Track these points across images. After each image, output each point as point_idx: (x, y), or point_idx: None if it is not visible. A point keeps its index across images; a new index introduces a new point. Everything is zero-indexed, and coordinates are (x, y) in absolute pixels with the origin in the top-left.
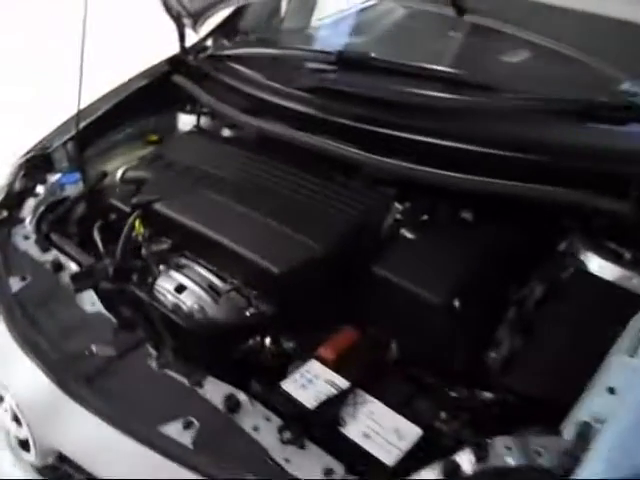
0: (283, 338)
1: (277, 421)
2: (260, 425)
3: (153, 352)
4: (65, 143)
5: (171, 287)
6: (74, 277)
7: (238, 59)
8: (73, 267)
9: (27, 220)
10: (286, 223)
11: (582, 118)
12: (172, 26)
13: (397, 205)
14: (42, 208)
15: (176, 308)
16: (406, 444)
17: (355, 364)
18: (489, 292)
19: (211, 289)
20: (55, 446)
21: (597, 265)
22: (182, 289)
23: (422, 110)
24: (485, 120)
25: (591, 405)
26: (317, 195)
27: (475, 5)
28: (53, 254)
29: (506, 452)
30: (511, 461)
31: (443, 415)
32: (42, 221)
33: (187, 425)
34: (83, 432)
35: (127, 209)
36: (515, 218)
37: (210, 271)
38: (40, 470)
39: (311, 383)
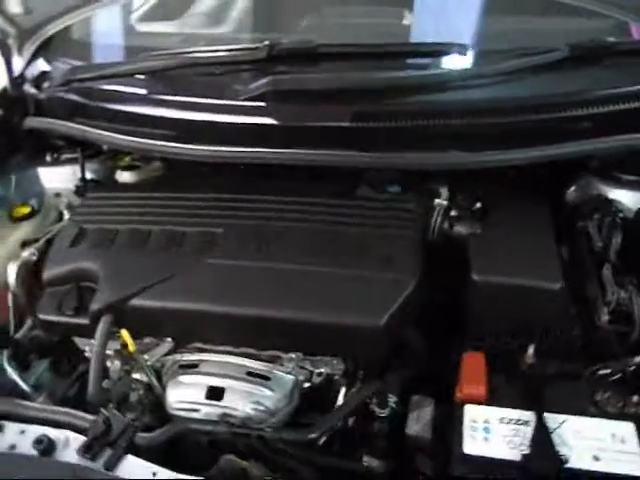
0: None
1: None
2: None
3: None
4: None
5: (199, 396)
6: (91, 450)
7: (115, 78)
8: (66, 437)
9: None
10: (341, 265)
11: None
12: None
13: (439, 201)
14: None
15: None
16: (634, 445)
17: (508, 388)
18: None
19: (255, 376)
20: None
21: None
22: (219, 393)
23: (404, 91)
24: (499, 86)
25: None
26: (344, 220)
27: None
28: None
29: None
30: None
31: (636, 399)
32: None
33: None
34: None
35: (81, 320)
36: (537, 182)
37: (237, 355)
38: None
39: (489, 432)
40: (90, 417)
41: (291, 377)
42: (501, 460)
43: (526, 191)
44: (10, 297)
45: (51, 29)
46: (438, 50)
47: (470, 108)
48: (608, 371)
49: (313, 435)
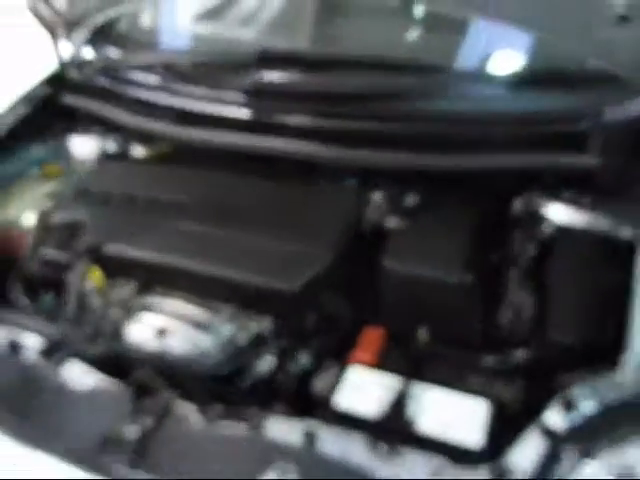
0: (299, 354)
1: (362, 437)
2: (348, 448)
3: (193, 408)
4: None
5: (150, 333)
6: (47, 353)
7: (138, 67)
8: (34, 342)
9: None
10: (277, 238)
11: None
12: None
13: (376, 197)
14: None
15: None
16: (482, 420)
17: (394, 359)
18: (487, 261)
19: (198, 323)
20: None
21: (563, 214)
22: (165, 332)
23: (376, 97)
24: (444, 99)
25: None
26: (292, 202)
27: None
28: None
29: (584, 398)
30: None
31: (499, 384)
32: None
33: (284, 471)
34: None
35: (69, 258)
36: (482, 189)
37: (189, 304)
38: None
39: (361, 390)
40: (54, 328)
41: (228, 329)
42: (362, 417)
43: (466, 196)
44: (29, 238)
45: (91, 22)
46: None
47: (413, 115)
48: (493, 362)
49: (210, 365)
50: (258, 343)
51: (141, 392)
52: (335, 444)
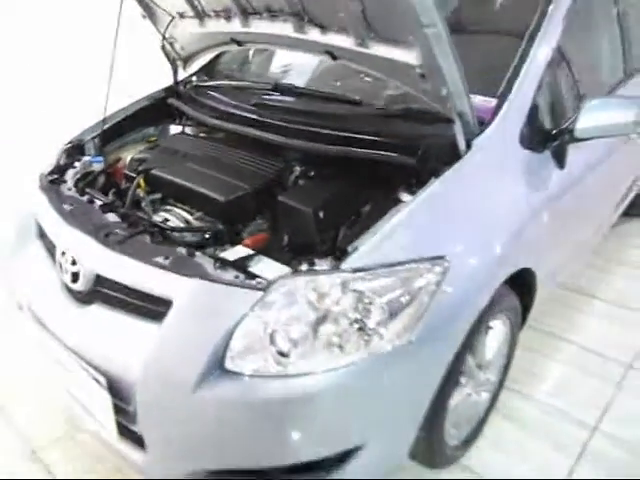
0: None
1: (213, 261)
2: (204, 263)
3: (148, 237)
4: (93, 138)
5: (159, 220)
6: (102, 206)
7: (213, 88)
8: (99, 201)
9: (69, 181)
10: (230, 176)
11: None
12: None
13: (297, 167)
14: (78, 175)
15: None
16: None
17: (261, 247)
18: (340, 210)
19: (184, 220)
20: (95, 271)
21: (404, 197)
22: (167, 221)
23: (314, 114)
24: (349, 119)
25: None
26: (251, 163)
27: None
28: (87, 197)
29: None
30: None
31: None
32: (78, 182)
33: (166, 257)
34: (113, 262)
35: (134, 175)
36: (361, 173)
37: (184, 210)
38: (84, 296)
39: (237, 253)
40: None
41: (198, 224)
42: (227, 259)
43: (343, 174)
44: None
45: (195, 59)
46: (328, 97)
47: (328, 125)
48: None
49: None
50: (213, 235)
51: (129, 223)
52: (200, 258)
